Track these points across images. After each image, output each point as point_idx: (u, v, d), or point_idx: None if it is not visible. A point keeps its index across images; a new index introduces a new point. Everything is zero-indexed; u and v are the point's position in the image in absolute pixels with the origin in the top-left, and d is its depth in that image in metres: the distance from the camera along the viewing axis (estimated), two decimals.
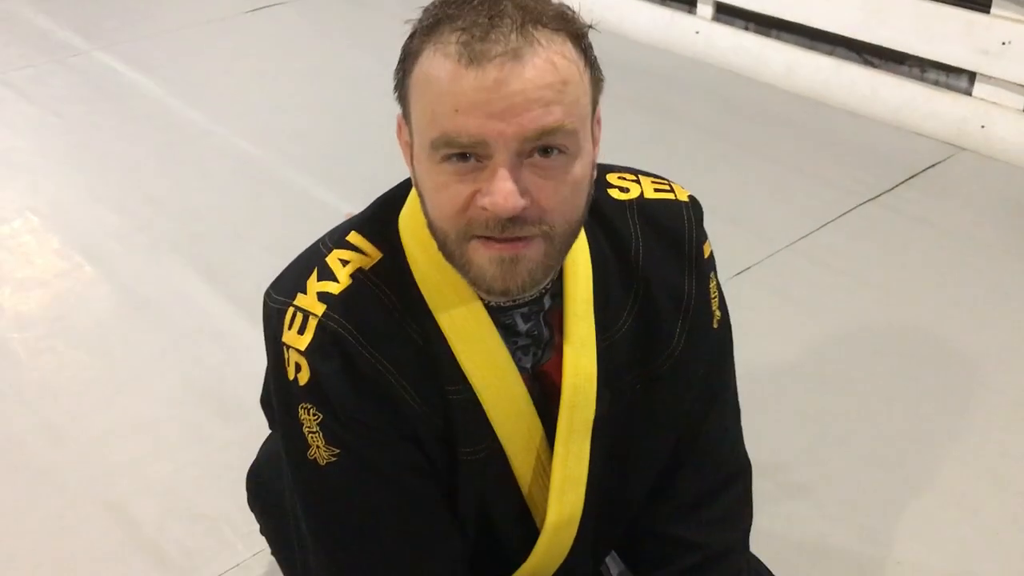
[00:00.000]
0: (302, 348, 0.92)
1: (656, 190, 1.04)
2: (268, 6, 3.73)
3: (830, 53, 3.00)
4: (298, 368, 0.92)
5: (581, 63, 0.84)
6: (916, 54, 2.77)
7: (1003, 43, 2.55)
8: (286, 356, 0.93)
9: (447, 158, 0.82)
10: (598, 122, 0.90)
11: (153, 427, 1.80)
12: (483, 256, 0.85)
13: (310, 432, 0.94)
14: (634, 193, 1.03)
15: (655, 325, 1.01)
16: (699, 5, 3.25)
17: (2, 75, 3.22)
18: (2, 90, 3.13)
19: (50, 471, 1.71)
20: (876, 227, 2.38)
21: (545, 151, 0.82)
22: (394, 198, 0.98)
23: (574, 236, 0.90)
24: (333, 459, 0.94)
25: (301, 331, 0.92)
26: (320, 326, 0.91)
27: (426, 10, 0.84)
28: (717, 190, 2.47)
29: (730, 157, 2.71)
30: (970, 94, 2.70)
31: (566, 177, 0.84)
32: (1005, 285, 2.17)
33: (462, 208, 0.83)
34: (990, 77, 2.63)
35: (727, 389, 1.13)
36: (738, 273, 2.20)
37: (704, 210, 1.07)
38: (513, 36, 0.79)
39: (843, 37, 2.93)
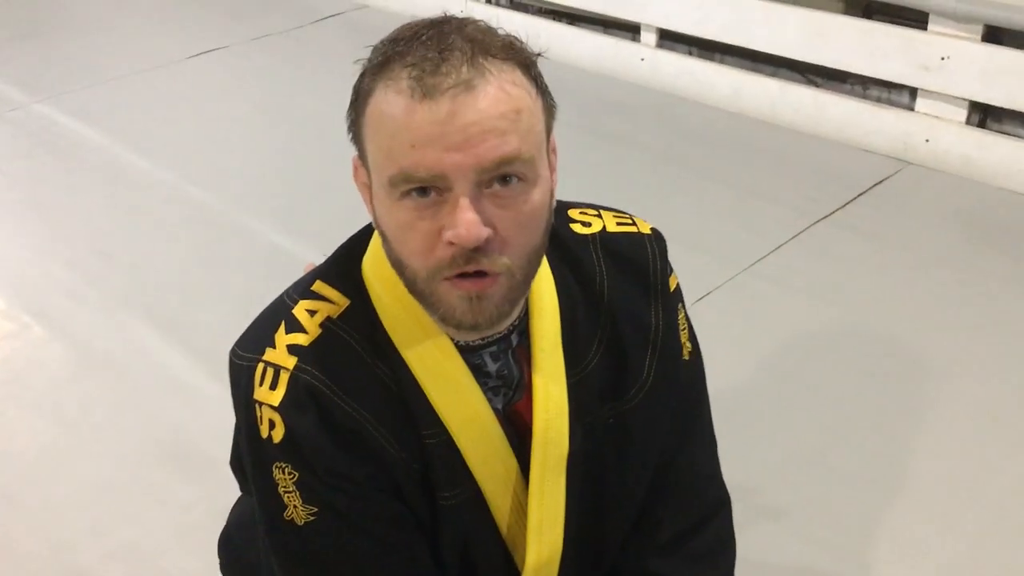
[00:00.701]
0: (275, 404, 0.89)
1: (618, 224, 1.04)
2: (211, 50, 3.70)
3: (773, 75, 3.04)
4: (272, 425, 0.90)
5: (533, 91, 0.84)
6: (857, 72, 2.83)
7: (942, 58, 2.61)
8: (258, 414, 0.90)
9: (407, 194, 0.81)
10: (553, 151, 0.90)
11: (115, 490, 1.75)
12: (452, 295, 0.84)
13: (286, 492, 0.91)
14: (596, 227, 1.03)
15: (624, 358, 1.01)
16: (643, 33, 3.28)
17: None
18: None
19: (9, 542, 1.65)
20: (831, 245, 2.41)
21: (504, 180, 0.82)
22: (356, 244, 0.97)
23: (536, 265, 0.89)
24: (311, 518, 0.91)
25: (273, 386, 0.90)
26: (292, 379, 0.89)
27: (375, 49, 0.84)
28: (672, 215, 2.48)
29: (682, 182, 2.73)
30: (913, 109, 2.75)
31: (525, 206, 0.84)
32: (961, 294, 2.21)
33: (429, 247, 0.83)
34: (931, 92, 2.68)
35: (702, 421, 1.12)
36: (699, 299, 2.21)
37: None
38: (464, 68, 0.79)
39: (785, 59, 2.98)
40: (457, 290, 0.84)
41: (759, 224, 2.50)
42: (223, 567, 1.23)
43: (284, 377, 0.89)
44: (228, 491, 1.28)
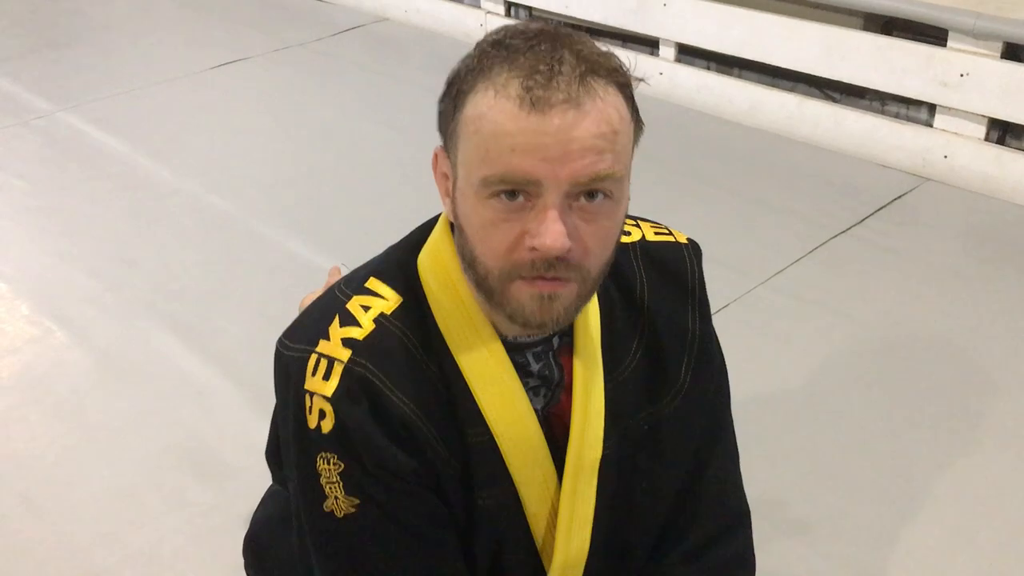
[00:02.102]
0: (328, 394, 0.91)
1: (656, 233, 1.08)
2: (233, 61, 3.74)
3: (791, 90, 3.05)
4: (322, 415, 0.91)
5: (628, 115, 0.87)
6: (876, 88, 2.83)
7: (961, 75, 2.61)
8: (309, 404, 0.92)
9: (495, 194, 0.84)
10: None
11: (133, 495, 1.76)
12: (524, 293, 0.87)
13: (329, 483, 0.93)
14: (635, 236, 1.06)
15: (661, 364, 1.03)
16: (662, 47, 3.30)
17: None
18: None
19: (28, 546, 1.67)
20: (849, 260, 2.40)
21: (591, 195, 0.84)
22: (411, 242, 1.00)
23: (603, 276, 0.92)
24: (352, 510, 0.93)
25: (326, 377, 0.92)
26: (346, 371, 0.91)
27: (479, 46, 0.87)
28: (689, 229, 2.46)
29: (700, 195, 2.73)
30: (932, 126, 2.75)
31: (607, 221, 0.87)
32: (978, 312, 2.20)
33: (510, 248, 0.85)
34: (950, 108, 2.68)
35: (727, 432, 1.13)
36: (715, 312, 2.20)
37: None
38: (574, 85, 0.82)
39: (804, 74, 2.98)
40: (531, 289, 0.86)
41: (776, 238, 2.50)
42: (248, 567, 1.24)
43: (338, 369, 0.92)
44: (247, 496, 1.29)
